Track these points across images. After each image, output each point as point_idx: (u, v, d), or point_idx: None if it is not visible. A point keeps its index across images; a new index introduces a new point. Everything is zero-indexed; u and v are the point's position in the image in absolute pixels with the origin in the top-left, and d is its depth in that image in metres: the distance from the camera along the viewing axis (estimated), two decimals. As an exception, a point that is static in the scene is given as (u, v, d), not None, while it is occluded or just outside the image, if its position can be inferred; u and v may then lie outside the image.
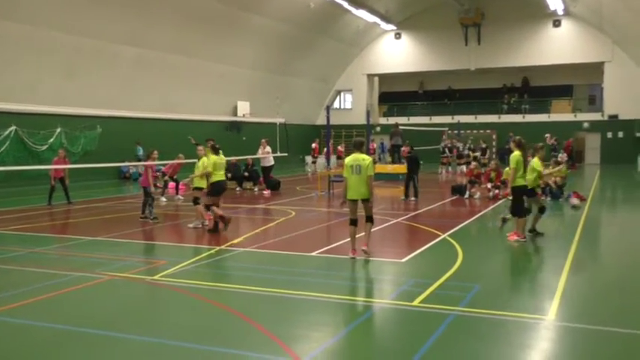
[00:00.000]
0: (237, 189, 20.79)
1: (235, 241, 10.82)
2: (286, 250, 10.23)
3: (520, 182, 10.61)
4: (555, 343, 5.72)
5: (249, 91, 33.47)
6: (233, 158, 21.57)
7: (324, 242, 11.01)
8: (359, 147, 9.43)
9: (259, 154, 20.76)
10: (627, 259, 9.95)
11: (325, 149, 30.17)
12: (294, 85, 37.57)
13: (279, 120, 24.41)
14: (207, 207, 12.03)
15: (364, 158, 9.19)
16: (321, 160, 30.50)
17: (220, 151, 12.63)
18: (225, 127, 32.00)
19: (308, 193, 20.12)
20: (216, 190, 12.09)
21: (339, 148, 34.69)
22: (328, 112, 20.89)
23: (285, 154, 21.93)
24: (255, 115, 32.12)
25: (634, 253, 10.47)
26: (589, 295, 7.49)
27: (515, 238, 10.60)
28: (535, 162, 11.06)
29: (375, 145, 34.38)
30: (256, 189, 20.70)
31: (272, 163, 20.75)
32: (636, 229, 13.04)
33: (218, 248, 10.16)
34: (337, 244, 10.79)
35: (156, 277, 8.11)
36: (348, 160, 9.25)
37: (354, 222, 9.33)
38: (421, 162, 18.80)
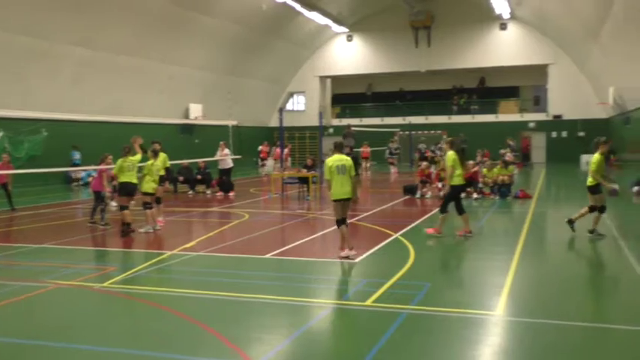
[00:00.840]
0: (190, 192, 20.55)
1: (187, 245, 10.69)
2: (239, 253, 10.18)
3: (457, 181, 11.04)
4: (503, 338, 5.88)
5: (202, 93, 33.13)
6: (185, 161, 21.33)
7: (278, 244, 11.00)
8: (339, 148, 9.60)
9: (218, 156, 20.59)
10: (571, 255, 10.33)
11: (278, 150, 30.31)
12: (246, 86, 37.39)
13: (231, 122, 24.30)
14: (122, 208, 12.14)
15: (346, 158, 9.40)
16: (272, 162, 30.47)
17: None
18: (179, 129, 31.58)
19: (262, 195, 20.06)
20: (123, 191, 12.28)
21: (286, 150, 34.81)
22: (281, 114, 20.90)
23: (239, 157, 21.83)
24: (208, 117, 31.82)
25: (577, 248, 10.84)
26: (535, 290, 7.72)
27: (432, 232, 11.20)
28: (596, 157, 11.03)
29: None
30: (209, 192, 20.52)
31: (231, 165, 20.65)
32: (580, 225, 13.49)
33: (170, 253, 10.01)
34: (291, 245, 10.83)
35: (105, 285, 7.93)
36: (330, 161, 9.33)
37: (343, 222, 9.40)
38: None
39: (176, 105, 31.42)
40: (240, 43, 33.34)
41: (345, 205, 9.44)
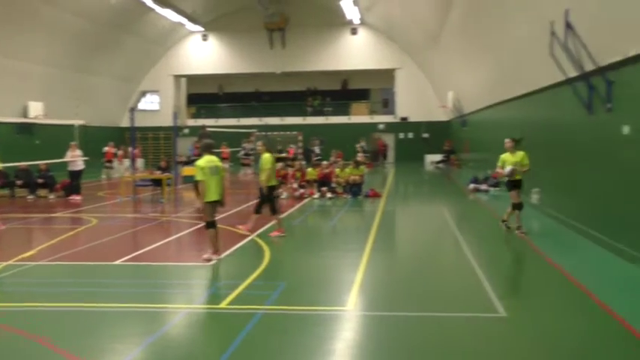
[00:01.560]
0: (30, 197, 19.00)
1: (26, 254, 9.86)
2: (86, 260, 9.61)
3: (272, 182, 11.51)
4: (355, 332, 6.12)
5: (43, 91, 30.70)
6: (24, 163, 19.69)
7: (129, 249, 10.51)
8: (209, 149, 9.60)
9: (68, 158, 19.22)
10: (418, 249, 10.99)
11: (120, 152, 29.05)
12: (95, 84, 35.32)
13: (78, 122, 22.82)
14: None
15: (217, 159, 9.49)
16: (126, 163, 29.09)
17: None
18: (16, 129, 29.02)
19: (111, 198, 19.08)
20: None
21: (136, 151, 33.58)
22: (132, 114, 20.01)
23: (86, 158, 20.55)
24: (50, 116, 29.61)
25: (423, 243, 11.58)
26: (384, 284, 8.12)
27: (277, 234, 11.32)
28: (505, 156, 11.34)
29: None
30: (52, 196, 19.12)
31: (82, 167, 19.40)
32: (424, 221, 14.45)
33: (4, 264, 9.17)
34: (144, 250, 10.43)
35: None
36: (202, 162, 9.22)
37: (214, 224, 9.35)
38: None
39: (12, 102, 28.81)
40: (86, 37, 31.38)
41: (215, 207, 9.44)
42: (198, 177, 9.21)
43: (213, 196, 9.28)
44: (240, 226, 11.92)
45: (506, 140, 11.23)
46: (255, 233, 11.65)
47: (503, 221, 11.54)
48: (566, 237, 10.84)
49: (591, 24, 9.65)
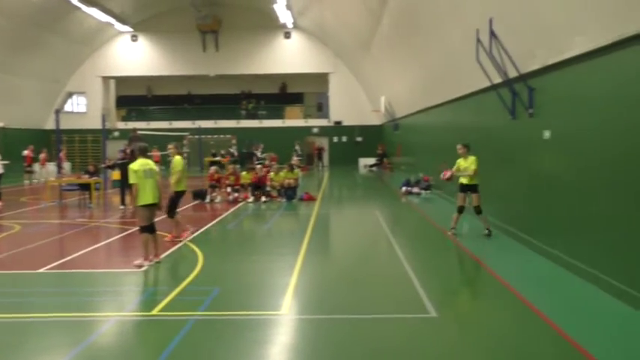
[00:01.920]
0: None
1: (-58, 264, 9.33)
2: (8, 269, 9.18)
3: (181, 187, 11.30)
4: (289, 335, 6.12)
5: (-41, 91, 29.14)
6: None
7: (55, 257, 10.11)
8: (144, 152, 9.55)
9: None
10: (351, 252, 11.11)
11: (43, 155, 27.90)
12: (17, 85, 33.75)
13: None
14: None
15: (152, 163, 9.43)
16: (50, 167, 27.98)
17: None
18: None
19: (35, 204, 18.29)
20: None
21: (61, 154, 32.47)
22: (58, 116, 19.28)
23: (7, 162, 19.65)
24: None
25: (357, 246, 11.71)
26: (318, 288, 8.15)
27: (171, 238, 11.21)
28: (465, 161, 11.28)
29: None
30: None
31: (1, 171, 18.52)
32: (358, 224, 14.62)
33: None
34: (70, 257, 10.06)
35: None
36: (136, 165, 9.14)
37: (149, 229, 9.24)
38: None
39: None
40: (7, 36, 30.01)
41: (152, 210, 9.36)
42: (132, 180, 9.09)
43: (148, 199, 9.15)
44: (167, 237, 11.38)
45: (458, 146, 11.40)
46: (189, 238, 11.46)
47: (452, 229, 11.53)
48: (493, 238, 11.23)
49: (513, 33, 10.08)
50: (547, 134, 9.33)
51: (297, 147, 34.63)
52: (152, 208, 9.31)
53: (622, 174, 6.95)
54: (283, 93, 44.23)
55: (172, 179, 11.29)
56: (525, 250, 9.90)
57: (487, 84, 11.88)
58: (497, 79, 11.23)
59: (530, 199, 10.19)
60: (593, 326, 6.19)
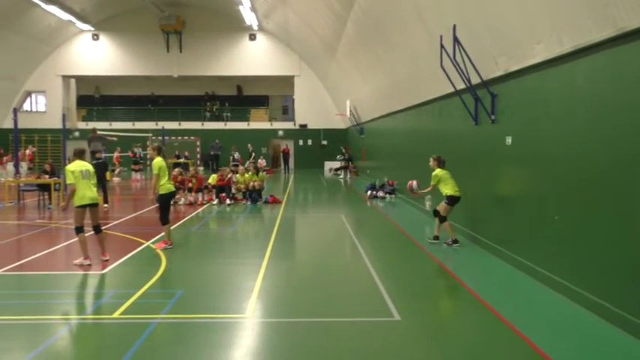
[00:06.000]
0: None
1: None
2: (-37, 272, 8.90)
3: (164, 189, 10.61)
4: (252, 339, 6.07)
5: None
6: None
7: (13, 258, 9.86)
8: (80, 155, 9.69)
9: None
10: (316, 255, 11.09)
11: (12, 155, 27.19)
12: (-28, 82, 32.84)
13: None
14: None
15: (88, 164, 9.58)
16: (10, 167, 27.27)
17: None
18: None
19: (-8, 205, 17.79)
20: None
21: (28, 152, 31.70)
22: (15, 115, 18.81)
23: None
24: None
25: (322, 249, 11.72)
26: (282, 291, 8.10)
27: (164, 246, 10.66)
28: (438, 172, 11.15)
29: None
30: None
31: None
32: (323, 227, 14.65)
33: None
34: (29, 259, 9.83)
35: None
36: (73, 167, 9.31)
37: (82, 229, 9.34)
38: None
39: None
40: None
41: (92, 211, 9.50)
42: (69, 181, 9.26)
43: (83, 199, 9.30)
44: (160, 245, 10.77)
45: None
46: (150, 241, 11.31)
47: (435, 237, 11.29)
48: (459, 245, 11.39)
49: (476, 39, 10.26)
50: (509, 140, 9.52)
51: (234, 153, 31.99)
52: (91, 208, 9.45)
53: (582, 179, 7.14)
54: (241, 95, 43.98)
55: (152, 182, 10.66)
56: (490, 257, 10.07)
57: (451, 90, 12.06)
58: (461, 85, 11.42)
59: (494, 206, 10.37)
60: (556, 332, 6.33)
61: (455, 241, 10.94)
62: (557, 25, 7.43)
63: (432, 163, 11.34)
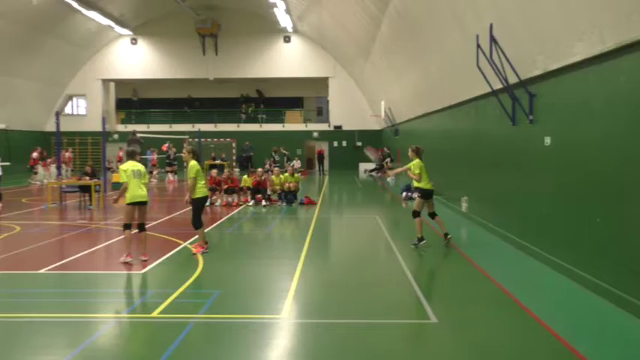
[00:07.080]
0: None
1: (-58, 265, 9.32)
2: (9, 269, 9.19)
3: (199, 194, 10.31)
4: (288, 340, 6.11)
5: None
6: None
7: (56, 258, 10.13)
8: (133, 156, 10.10)
9: None
10: (351, 257, 11.09)
11: (54, 157, 27.88)
12: (17, 87, 33.79)
13: (-2, 125, 21.76)
14: None
15: (141, 165, 9.99)
16: (53, 169, 27.98)
17: None
18: None
19: (36, 205, 18.30)
20: None
21: (67, 155, 32.46)
22: (58, 118, 19.30)
23: (8, 164, 19.65)
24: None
25: (357, 251, 11.71)
26: (318, 292, 8.12)
27: (200, 250, 10.45)
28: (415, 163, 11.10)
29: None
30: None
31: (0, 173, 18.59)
32: (358, 228, 14.62)
33: None
34: (71, 258, 10.08)
35: None
36: (126, 166, 9.77)
37: (130, 226, 9.75)
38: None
39: None
40: (6, 38, 30.05)
41: (141, 209, 9.87)
42: (122, 179, 9.71)
43: (135, 197, 9.71)
44: (197, 249, 10.55)
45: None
46: (188, 241, 11.47)
47: (446, 234, 11.18)
48: (493, 244, 11.23)
49: (514, 38, 10.10)
50: (548, 141, 9.35)
51: (274, 154, 32.69)
52: (139, 207, 9.82)
53: (623, 181, 6.97)
54: (260, 96, 44.15)
55: (189, 185, 10.22)
56: (527, 258, 9.90)
57: (487, 90, 11.91)
58: (498, 85, 11.26)
59: (530, 206, 10.20)
60: (593, 333, 6.19)
61: (421, 239, 11.02)
62: (599, 21, 7.25)
63: (410, 153, 11.32)
